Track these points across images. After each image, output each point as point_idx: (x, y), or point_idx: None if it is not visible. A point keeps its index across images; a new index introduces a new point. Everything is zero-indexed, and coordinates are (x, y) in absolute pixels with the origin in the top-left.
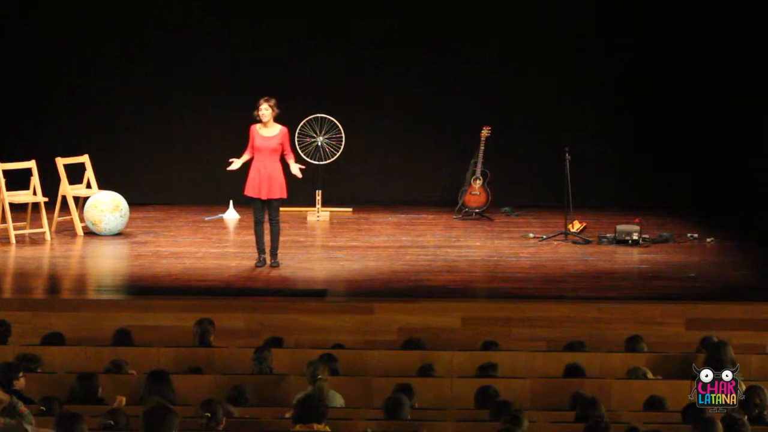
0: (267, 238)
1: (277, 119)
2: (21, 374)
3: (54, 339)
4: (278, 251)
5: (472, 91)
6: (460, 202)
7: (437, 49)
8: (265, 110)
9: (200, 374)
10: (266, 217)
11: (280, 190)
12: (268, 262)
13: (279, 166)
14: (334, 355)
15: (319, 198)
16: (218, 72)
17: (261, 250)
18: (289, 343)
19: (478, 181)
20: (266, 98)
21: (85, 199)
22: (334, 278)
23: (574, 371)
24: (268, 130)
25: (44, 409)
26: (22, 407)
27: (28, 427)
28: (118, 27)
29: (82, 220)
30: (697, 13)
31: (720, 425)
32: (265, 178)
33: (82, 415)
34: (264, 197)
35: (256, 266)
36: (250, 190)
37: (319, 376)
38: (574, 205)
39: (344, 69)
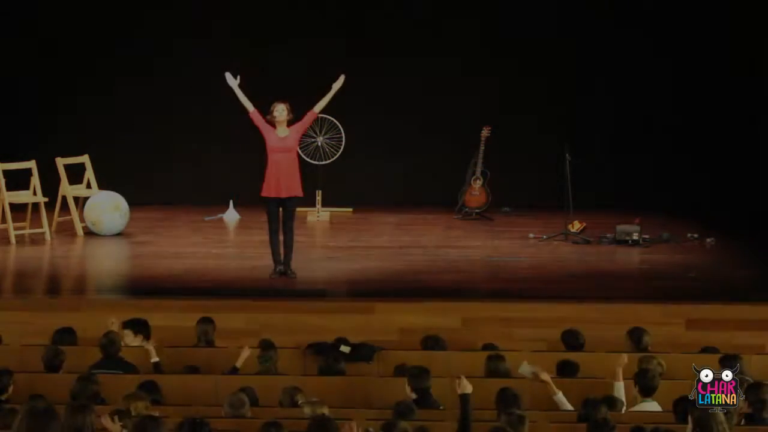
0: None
1: None
2: None
3: (65, 334)
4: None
5: (472, 91)
6: (460, 202)
7: (437, 49)
8: (282, 111)
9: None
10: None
11: (297, 187)
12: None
13: (296, 163)
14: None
15: (319, 198)
16: (218, 72)
17: (278, 260)
18: (290, 343)
19: (478, 181)
20: (282, 99)
21: (85, 199)
22: (334, 278)
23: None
24: (282, 130)
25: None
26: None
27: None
28: (118, 27)
29: (82, 220)
30: (699, 13)
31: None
32: (283, 176)
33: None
34: (283, 195)
35: (271, 277)
36: (267, 191)
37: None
38: (574, 205)
39: (344, 69)
